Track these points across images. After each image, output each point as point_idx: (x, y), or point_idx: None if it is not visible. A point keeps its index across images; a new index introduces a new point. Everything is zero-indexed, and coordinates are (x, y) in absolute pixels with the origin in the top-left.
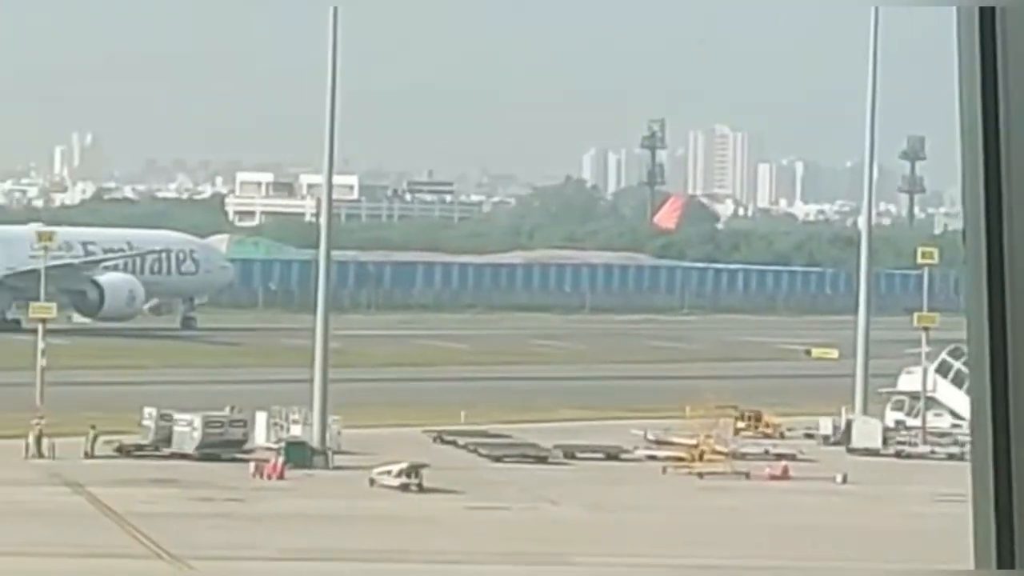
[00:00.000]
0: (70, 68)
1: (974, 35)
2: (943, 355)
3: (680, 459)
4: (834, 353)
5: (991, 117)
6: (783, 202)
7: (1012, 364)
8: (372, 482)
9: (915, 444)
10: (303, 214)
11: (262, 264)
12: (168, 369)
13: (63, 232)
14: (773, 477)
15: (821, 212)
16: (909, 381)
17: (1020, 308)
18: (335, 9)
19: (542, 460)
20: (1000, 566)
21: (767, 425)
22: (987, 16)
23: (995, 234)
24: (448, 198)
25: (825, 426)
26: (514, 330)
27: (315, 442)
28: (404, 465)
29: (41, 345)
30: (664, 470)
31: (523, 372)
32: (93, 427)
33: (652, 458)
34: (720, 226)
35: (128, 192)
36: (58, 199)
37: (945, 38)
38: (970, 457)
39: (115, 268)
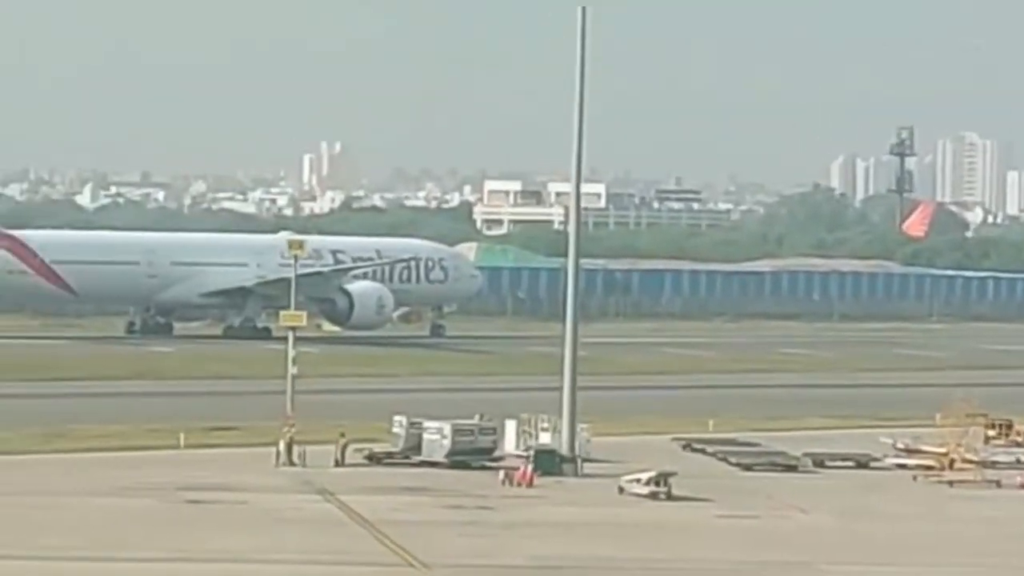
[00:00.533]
0: (317, 77)
1: None
2: None
3: (930, 467)
4: None
5: None
6: None
7: None
8: (621, 490)
9: None
10: (551, 222)
11: (510, 272)
12: (417, 377)
13: (313, 240)
14: None
15: None
16: None
17: None
18: (583, 9)
19: (791, 468)
20: None
21: (1018, 434)
22: None
23: None
24: (696, 206)
25: None
26: (762, 338)
27: (564, 449)
28: (653, 473)
29: (292, 353)
30: (915, 478)
31: (771, 380)
32: (343, 435)
33: (902, 466)
34: (969, 234)
35: (377, 200)
36: (307, 207)
37: None
38: None
39: (364, 276)
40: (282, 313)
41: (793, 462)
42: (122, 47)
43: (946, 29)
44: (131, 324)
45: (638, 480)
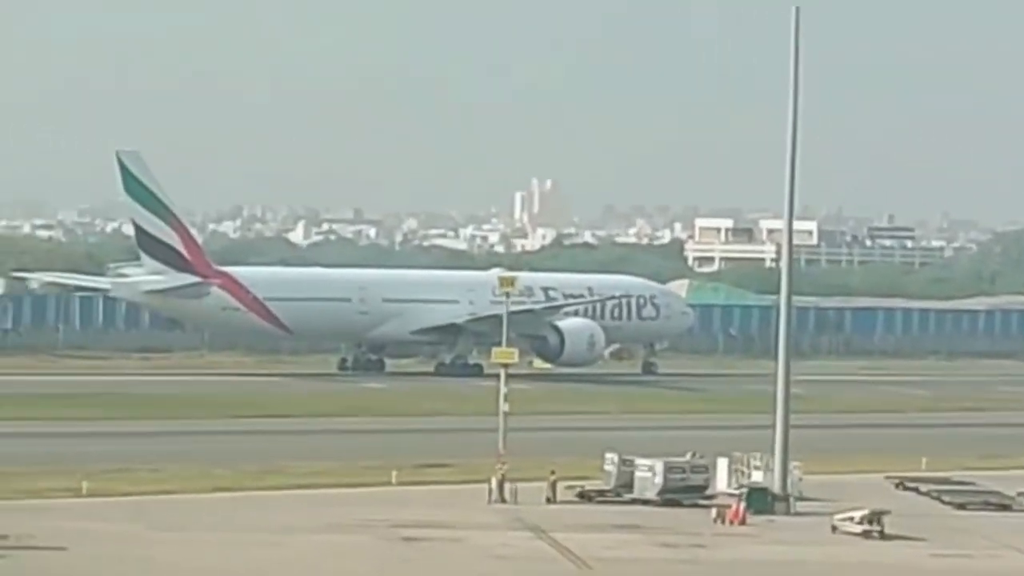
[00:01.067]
0: (528, 114)
1: None
2: None
3: None
4: None
5: None
6: None
7: None
8: (834, 528)
9: None
10: (763, 259)
11: (722, 309)
12: (629, 414)
13: (524, 278)
14: None
15: None
16: None
17: None
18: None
19: (1006, 508)
20: None
21: None
22: None
23: None
24: (909, 243)
25: None
26: (976, 376)
27: (776, 488)
28: (866, 511)
29: (504, 390)
30: None
31: (985, 418)
32: (553, 472)
33: None
34: None
35: (588, 237)
36: (519, 244)
37: None
38: None
39: (576, 313)
40: (494, 350)
41: (1008, 501)
42: (335, 82)
43: None
44: (343, 361)
45: (851, 519)
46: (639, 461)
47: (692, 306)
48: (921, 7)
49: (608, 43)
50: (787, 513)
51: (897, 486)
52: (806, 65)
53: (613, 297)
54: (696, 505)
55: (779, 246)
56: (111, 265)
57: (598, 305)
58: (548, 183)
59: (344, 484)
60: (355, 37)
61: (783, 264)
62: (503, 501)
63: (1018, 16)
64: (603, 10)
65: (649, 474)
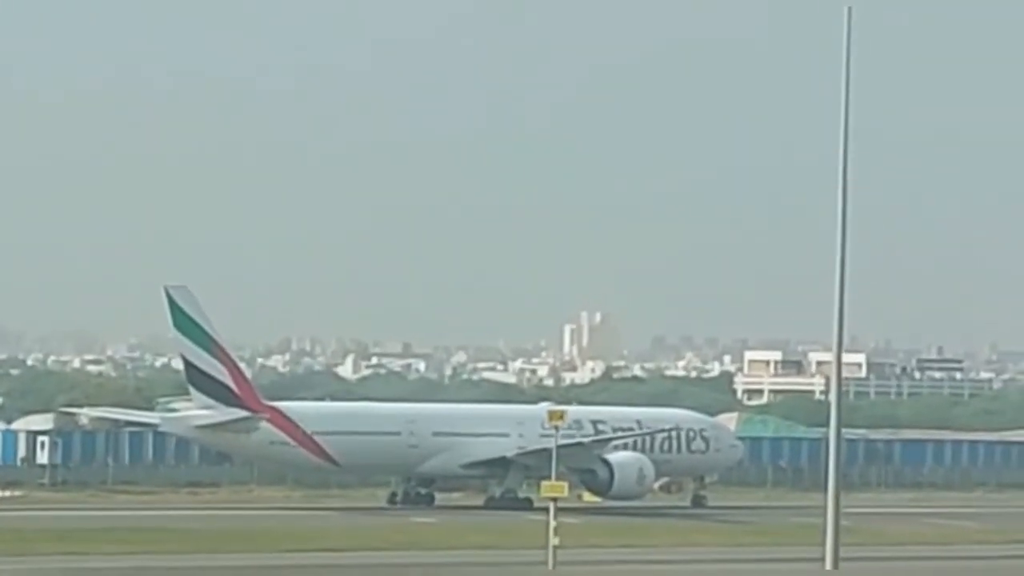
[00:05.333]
0: (577, 247)
1: None
2: None
3: None
4: None
5: None
6: None
7: None
8: None
9: None
10: (812, 392)
11: (771, 442)
12: (681, 548)
13: (573, 411)
14: None
15: None
16: None
17: None
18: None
19: None
20: None
21: None
22: None
23: None
24: (958, 375)
25: None
26: None
27: None
28: None
29: (553, 523)
30: None
31: None
32: None
33: None
34: None
35: (637, 370)
36: (568, 378)
37: None
38: None
39: (625, 447)
40: (543, 483)
41: None
42: (378, 219)
43: None
44: (393, 495)
45: None
46: None
47: (741, 439)
48: (954, 145)
49: (653, 172)
50: None
51: None
52: (854, 193)
53: (663, 430)
54: None
55: (828, 379)
56: (160, 400)
57: (647, 438)
58: (597, 316)
59: None
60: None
61: (832, 396)
62: None
63: None
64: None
65: None
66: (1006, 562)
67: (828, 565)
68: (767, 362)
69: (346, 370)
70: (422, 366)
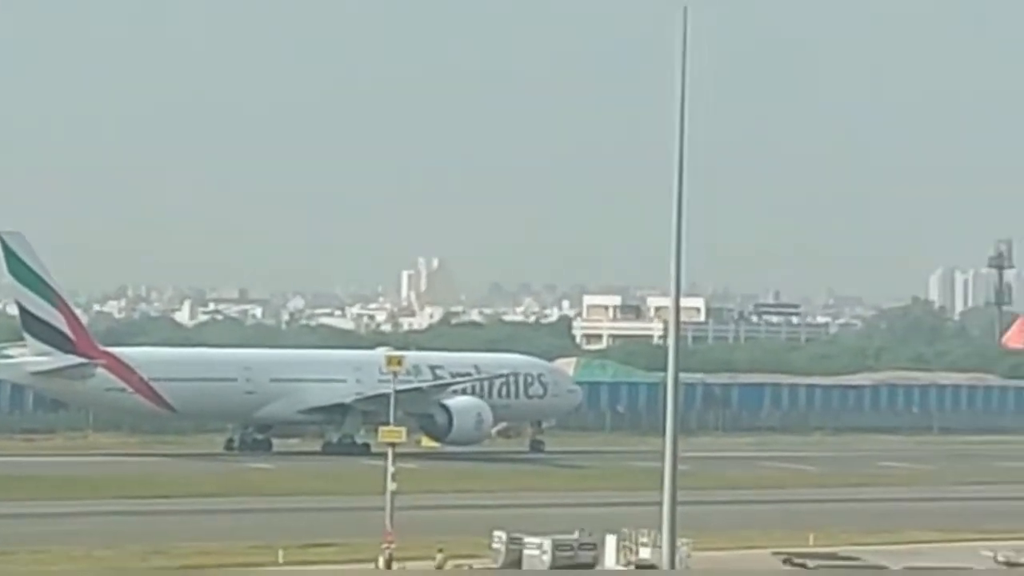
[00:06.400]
0: (415, 194)
1: None
2: None
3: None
4: None
5: None
6: None
7: None
8: None
9: None
10: (650, 336)
11: (609, 387)
12: (517, 492)
13: (411, 356)
14: None
15: None
16: None
17: None
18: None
19: None
20: None
21: None
22: None
23: None
24: (795, 320)
25: None
26: (862, 451)
27: (664, 565)
28: None
29: (391, 469)
30: None
31: (871, 493)
32: (441, 551)
33: None
34: None
35: (475, 316)
36: (406, 323)
37: None
38: None
39: (463, 392)
40: (381, 429)
41: None
42: (214, 165)
43: None
44: (230, 441)
45: None
46: (527, 539)
47: (580, 383)
48: (797, 93)
49: (489, 121)
50: None
51: (785, 562)
52: (692, 142)
53: (500, 375)
54: None
55: (666, 323)
56: None
57: (485, 383)
58: (435, 262)
59: (230, 564)
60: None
61: (670, 341)
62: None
63: (887, 107)
64: (472, 90)
65: (537, 552)
66: (843, 505)
67: (665, 508)
68: (605, 307)
69: (183, 316)
70: (259, 312)
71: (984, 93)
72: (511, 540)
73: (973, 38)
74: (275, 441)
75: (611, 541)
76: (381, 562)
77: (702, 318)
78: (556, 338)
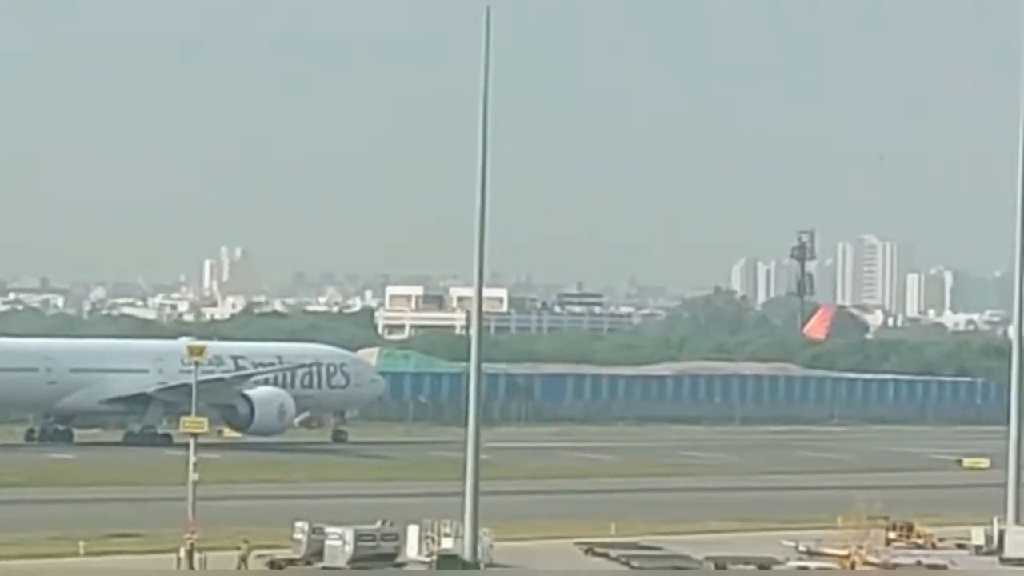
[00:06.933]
0: (218, 184)
1: None
2: None
3: (832, 570)
4: (985, 463)
5: None
6: (932, 312)
7: None
8: None
9: None
10: (453, 327)
11: (412, 377)
12: (319, 483)
13: (213, 346)
14: None
15: (971, 322)
16: None
17: None
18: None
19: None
20: None
21: (919, 536)
22: None
23: None
24: (598, 310)
25: (977, 536)
26: (664, 441)
27: (467, 555)
28: None
29: (192, 459)
30: None
31: (673, 483)
32: (246, 541)
33: (804, 569)
34: (869, 336)
35: (278, 306)
36: (208, 313)
37: None
38: None
39: (266, 382)
40: (183, 419)
41: (695, 566)
42: (13, 153)
43: (848, 133)
44: (31, 431)
45: None
46: (329, 529)
47: (383, 373)
48: (599, 87)
49: (291, 111)
50: None
51: (587, 552)
52: (494, 134)
53: (303, 366)
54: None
55: (469, 313)
56: None
57: (288, 374)
58: (237, 252)
59: (30, 556)
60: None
61: (473, 331)
62: (192, 571)
63: (684, 101)
64: (279, 77)
65: (340, 542)
66: (645, 495)
67: (468, 498)
68: (408, 297)
69: None
70: (60, 302)
71: (786, 86)
72: (313, 530)
73: (772, 31)
74: (76, 431)
75: (413, 531)
76: (183, 553)
77: (505, 308)
78: (359, 328)
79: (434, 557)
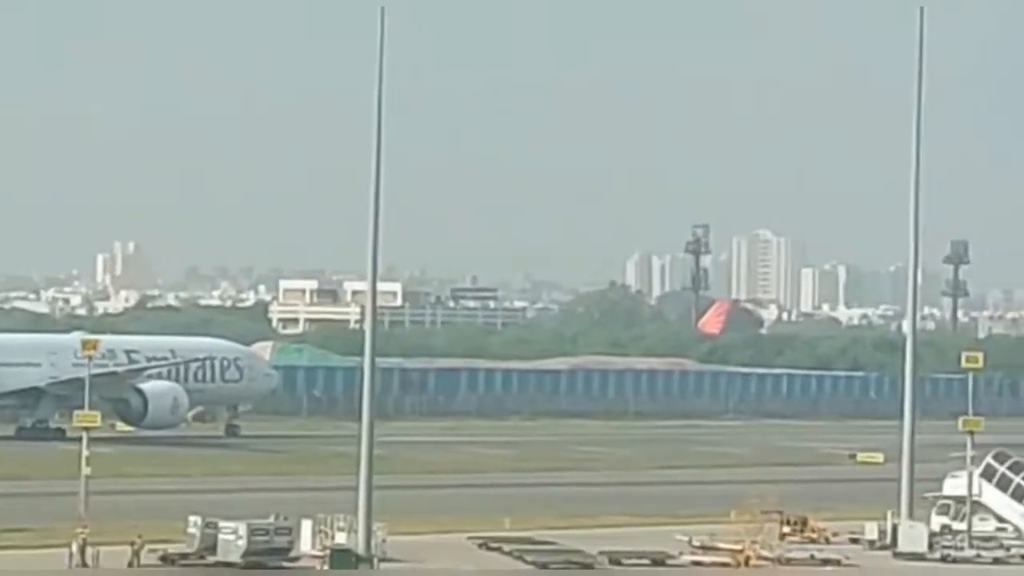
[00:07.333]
0: (111, 177)
1: None
2: (988, 459)
3: (726, 565)
4: (879, 457)
5: None
6: (826, 306)
7: None
8: None
9: (961, 548)
10: (347, 321)
11: (306, 371)
12: (213, 477)
13: (106, 340)
14: None
15: (865, 317)
16: (954, 485)
17: None
18: (379, 109)
19: (587, 567)
20: None
21: (813, 530)
22: None
23: None
24: (492, 304)
25: (871, 531)
26: (558, 436)
27: (360, 549)
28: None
29: (85, 453)
30: None
31: (568, 478)
32: (139, 536)
33: (698, 564)
34: (764, 331)
35: (171, 300)
36: (101, 307)
37: (988, 144)
38: None
39: (159, 376)
40: (76, 413)
41: (589, 560)
42: None
43: (740, 128)
44: None
45: None
46: (223, 524)
47: (276, 368)
48: (494, 78)
49: (184, 102)
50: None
51: (481, 546)
52: (387, 126)
53: (196, 360)
54: (280, 567)
55: (363, 307)
56: None
57: (181, 367)
58: (131, 245)
59: None
60: None
61: (367, 325)
62: (84, 565)
63: (585, 94)
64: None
65: (233, 537)
66: (539, 489)
67: (361, 493)
68: (302, 291)
69: None
70: None
71: (678, 81)
72: (207, 525)
73: (666, 26)
74: None
75: (307, 526)
76: (75, 548)
77: (399, 302)
78: (252, 322)
79: (328, 551)
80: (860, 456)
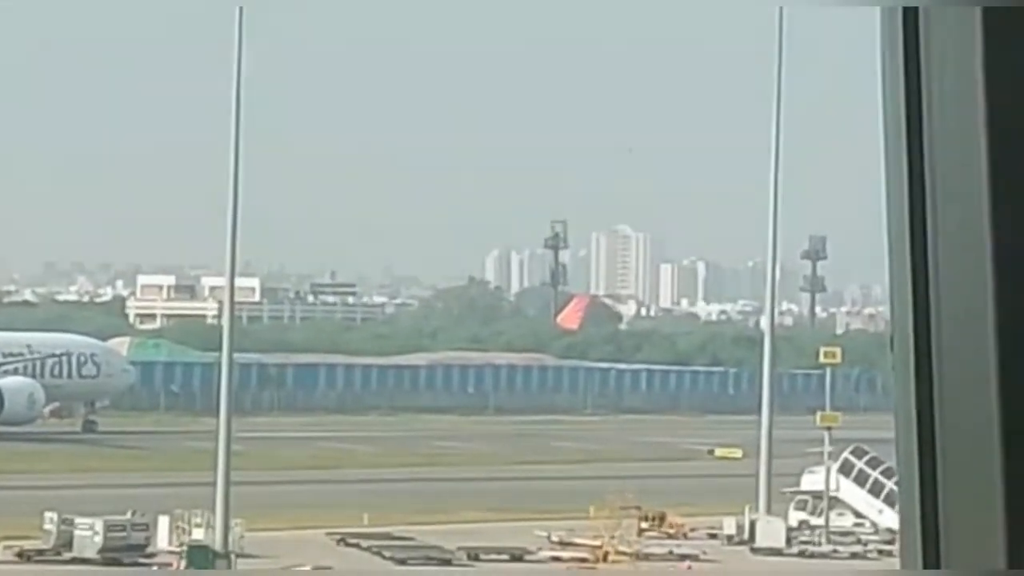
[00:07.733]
0: None
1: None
2: (845, 454)
3: (584, 560)
4: (737, 453)
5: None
6: (685, 302)
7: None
8: None
9: (818, 543)
10: (205, 316)
11: (164, 367)
12: (69, 473)
13: None
14: None
15: (723, 312)
16: (812, 480)
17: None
18: (236, 115)
19: (446, 562)
20: (926, 566)
21: (671, 525)
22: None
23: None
24: (350, 300)
25: (729, 526)
26: (417, 432)
27: (217, 546)
28: (308, 568)
29: None
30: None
31: (427, 474)
32: None
33: (556, 559)
34: (623, 326)
35: (28, 295)
36: None
37: (853, 136)
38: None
39: (15, 372)
40: None
41: (447, 556)
42: None
43: (598, 124)
44: None
45: None
46: (79, 520)
47: (134, 363)
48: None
49: (43, 96)
50: (228, 570)
51: (339, 542)
52: (247, 120)
53: (53, 355)
54: (137, 563)
55: (221, 303)
56: None
57: (38, 363)
58: None
59: None
60: None
61: (224, 321)
62: None
63: (440, 88)
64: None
65: (89, 533)
66: (398, 485)
67: (219, 489)
68: (160, 287)
69: None
70: None
71: (531, 73)
72: (63, 521)
73: (529, 19)
74: None
75: (164, 522)
76: None
77: (257, 298)
78: (110, 318)
79: (185, 547)
80: (718, 452)
